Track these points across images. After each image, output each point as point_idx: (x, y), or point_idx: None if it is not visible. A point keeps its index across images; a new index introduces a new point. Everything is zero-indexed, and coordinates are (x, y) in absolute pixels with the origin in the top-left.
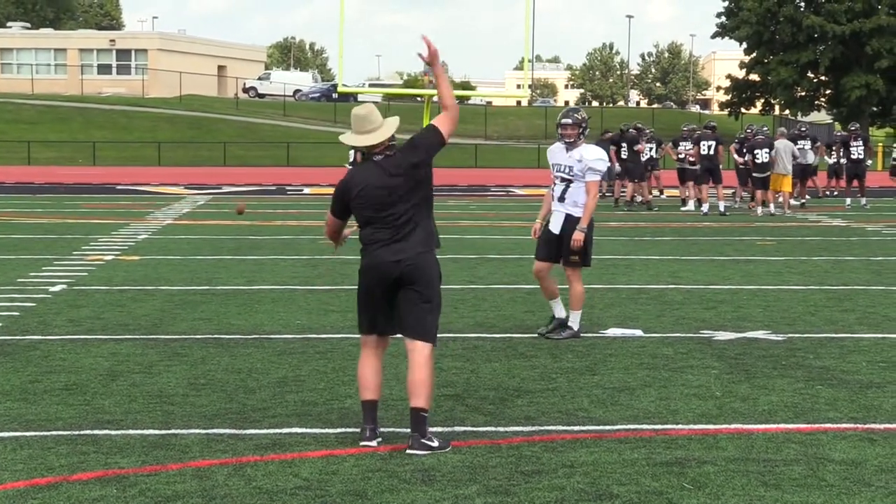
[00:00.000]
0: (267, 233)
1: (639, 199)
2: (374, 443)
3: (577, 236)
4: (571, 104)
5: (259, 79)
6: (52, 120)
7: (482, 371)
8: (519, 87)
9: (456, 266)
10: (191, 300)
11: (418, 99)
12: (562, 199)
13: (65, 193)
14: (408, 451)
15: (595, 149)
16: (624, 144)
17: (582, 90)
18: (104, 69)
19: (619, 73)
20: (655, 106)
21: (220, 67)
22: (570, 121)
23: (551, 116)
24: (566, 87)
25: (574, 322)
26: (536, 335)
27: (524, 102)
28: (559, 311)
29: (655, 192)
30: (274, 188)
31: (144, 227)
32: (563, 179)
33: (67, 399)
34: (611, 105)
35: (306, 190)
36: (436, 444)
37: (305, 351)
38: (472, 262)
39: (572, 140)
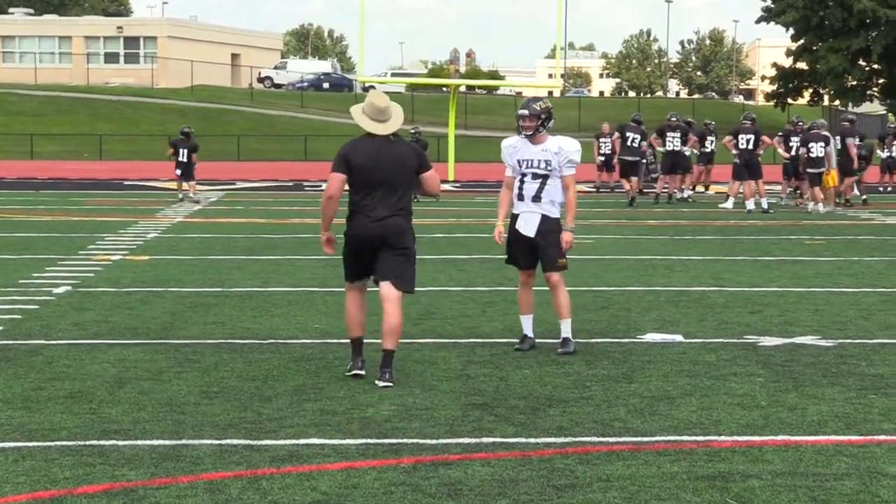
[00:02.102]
0: (283, 231)
1: (681, 194)
2: (363, 372)
3: (568, 237)
4: (606, 94)
5: (275, 68)
6: (56, 112)
7: (512, 378)
8: (551, 76)
9: (484, 267)
10: (203, 303)
11: (444, 89)
12: (537, 198)
13: (69, 189)
14: (380, 384)
15: (571, 140)
16: (675, 135)
17: (617, 79)
18: (111, 58)
19: (657, 61)
20: (696, 96)
21: (234, 56)
22: (526, 112)
23: (585, 108)
24: (601, 76)
25: (567, 330)
26: (518, 350)
27: (556, 93)
28: (530, 329)
29: (700, 188)
30: (291, 184)
31: (153, 226)
32: (536, 176)
33: (72, 407)
34: (648, 95)
35: (325, 185)
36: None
37: (324, 357)
38: (500, 263)
39: (531, 132)
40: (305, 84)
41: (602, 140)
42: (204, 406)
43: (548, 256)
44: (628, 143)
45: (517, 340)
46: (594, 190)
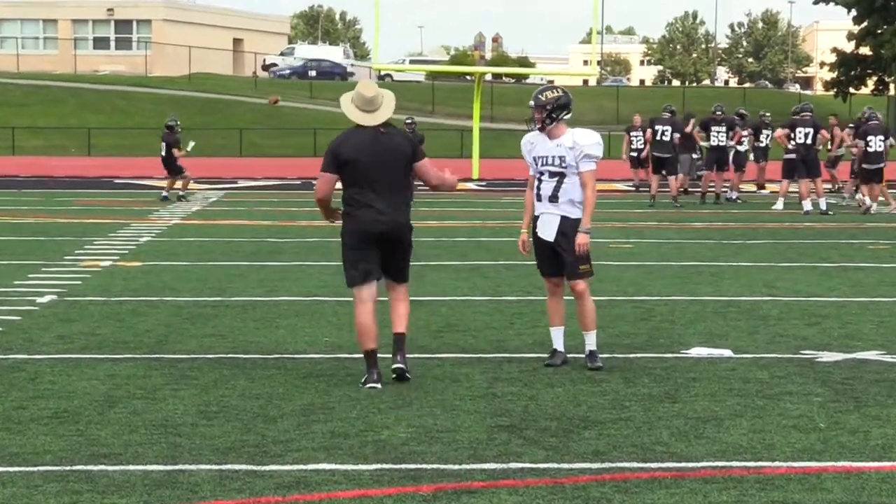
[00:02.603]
0: (290, 235)
1: (732, 194)
2: (379, 385)
3: (582, 239)
4: (647, 83)
5: (281, 54)
6: (41, 102)
7: (543, 398)
8: (586, 63)
9: (511, 274)
10: (201, 313)
11: (468, 78)
12: (554, 198)
13: (54, 188)
14: (394, 366)
15: (589, 132)
16: (720, 129)
17: (660, 67)
18: (101, 43)
19: (703, 46)
20: (747, 85)
21: (237, 41)
22: (532, 103)
23: (624, 98)
24: (641, 63)
25: (593, 343)
26: (548, 366)
27: (592, 82)
28: (561, 342)
29: (748, 188)
30: (299, 182)
31: (147, 228)
32: (552, 174)
33: (58, 429)
34: (694, 84)
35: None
36: None
37: (335, 374)
38: (529, 269)
39: (539, 126)
40: (287, 72)
41: (633, 134)
42: (202, 427)
43: (570, 263)
44: (658, 137)
45: (547, 355)
46: (633, 189)
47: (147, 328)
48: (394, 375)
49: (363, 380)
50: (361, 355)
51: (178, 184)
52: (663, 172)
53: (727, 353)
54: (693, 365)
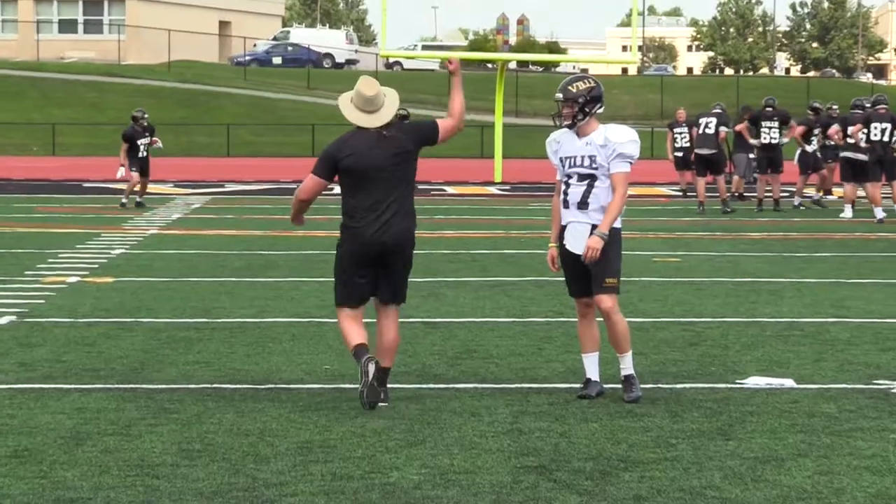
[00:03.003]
0: (285, 246)
1: (797, 200)
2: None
3: (594, 242)
4: (696, 72)
5: (275, 39)
6: None
7: (576, 434)
8: (625, 49)
9: (540, 293)
10: (183, 337)
11: (489, 66)
12: (583, 204)
13: (13, 193)
14: (381, 404)
15: (623, 128)
16: (771, 125)
17: (710, 53)
18: (67, 26)
19: (761, 29)
20: (812, 74)
21: (223, 24)
22: (561, 95)
23: (669, 89)
24: (689, 48)
25: (629, 366)
26: (582, 397)
27: (632, 70)
28: (596, 371)
29: (810, 193)
30: (295, 186)
31: (121, 239)
32: (581, 177)
33: (17, 469)
34: (750, 73)
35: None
36: None
37: (337, 406)
38: (561, 287)
39: (569, 122)
40: (247, 59)
41: (677, 131)
42: (184, 468)
43: (595, 274)
44: (701, 130)
45: (581, 386)
46: (680, 194)
47: (120, 354)
48: (369, 407)
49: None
50: (359, 385)
51: (137, 186)
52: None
53: (789, 382)
54: (749, 397)
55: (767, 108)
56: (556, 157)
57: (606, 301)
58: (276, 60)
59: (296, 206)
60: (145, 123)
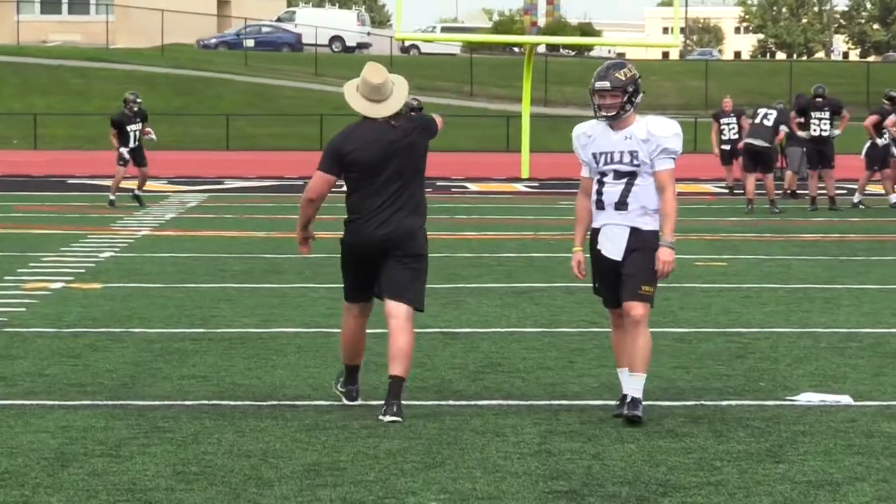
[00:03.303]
0: (291, 249)
1: (856, 198)
2: (358, 399)
3: (667, 255)
4: (745, 56)
5: (279, 20)
6: None
7: (611, 456)
8: (667, 31)
9: (571, 300)
10: (178, 349)
11: (516, 49)
12: (622, 204)
13: None
14: (386, 419)
15: (665, 121)
16: (821, 116)
17: (760, 36)
18: (50, 7)
19: (816, 10)
20: (872, 59)
21: (222, 4)
22: (606, 84)
23: (715, 75)
24: (737, 31)
25: (640, 389)
26: (618, 416)
27: (674, 54)
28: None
29: (878, 190)
30: (301, 183)
31: (109, 241)
32: (620, 174)
33: None
34: (804, 57)
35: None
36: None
37: (346, 425)
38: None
39: (613, 113)
40: (214, 42)
41: (724, 121)
42: (180, 493)
43: (630, 279)
44: (759, 120)
45: (616, 403)
46: (726, 192)
47: (109, 368)
48: (386, 419)
49: (340, 386)
50: (382, 404)
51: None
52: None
53: (845, 399)
54: (802, 415)
55: (817, 98)
56: (585, 152)
57: (639, 309)
58: (248, 43)
59: (304, 210)
60: (135, 108)
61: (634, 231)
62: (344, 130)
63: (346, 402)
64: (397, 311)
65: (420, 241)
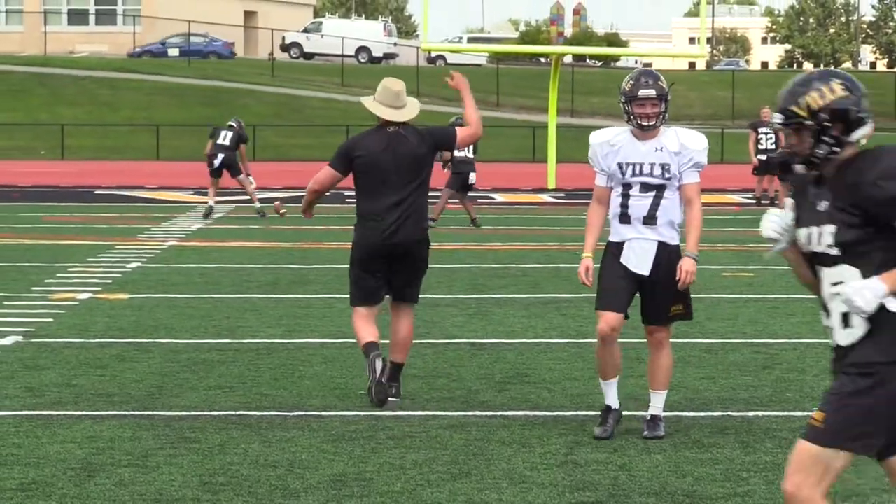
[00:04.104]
0: (316, 260)
1: None
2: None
3: (690, 265)
4: (772, 66)
5: (305, 31)
6: (2, 93)
7: (637, 467)
8: (693, 41)
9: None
10: (204, 360)
11: (542, 60)
12: (651, 219)
13: (19, 201)
14: (392, 400)
15: (695, 133)
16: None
17: (787, 46)
18: (77, 18)
19: (844, 20)
20: None
21: (248, 15)
22: (653, 92)
23: (742, 85)
24: (764, 41)
25: (661, 406)
26: (600, 436)
27: (701, 64)
28: (616, 399)
29: None
30: (327, 193)
31: (136, 251)
32: (648, 187)
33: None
34: (831, 67)
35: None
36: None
37: (374, 436)
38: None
39: (653, 122)
40: (138, 52)
41: (762, 131)
42: (206, 503)
43: (657, 301)
44: None
45: (647, 413)
46: (753, 202)
47: (136, 378)
48: (378, 404)
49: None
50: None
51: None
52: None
53: None
54: None
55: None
56: (607, 162)
57: (665, 333)
58: (172, 52)
59: (308, 197)
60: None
61: (662, 246)
62: (355, 136)
63: (377, 374)
64: (402, 307)
65: (424, 248)
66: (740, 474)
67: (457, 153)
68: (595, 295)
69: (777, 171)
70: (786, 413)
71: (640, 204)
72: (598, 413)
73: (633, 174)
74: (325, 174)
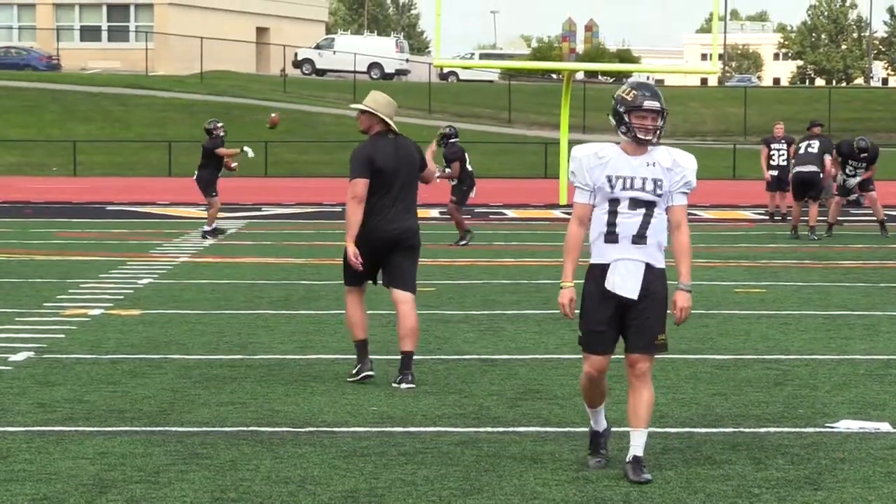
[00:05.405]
0: (329, 275)
1: None
2: (373, 372)
3: (686, 301)
4: (784, 82)
5: (317, 47)
6: (15, 109)
7: (648, 483)
8: (705, 58)
9: None
10: (216, 375)
11: (554, 76)
12: (640, 238)
13: (31, 217)
14: (403, 386)
15: (687, 153)
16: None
17: (800, 62)
18: (90, 34)
19: (856, 36)
20: None
21: (261, 31)
22: (657, 105)
23: (754, 101)
24: (776, 57)
25: (642, 446)
26: (596, 467)
27: (713, 81)
28: (603, 421)
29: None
30: (339, 209)
31: (148, 267)
32: (638, 203)
33: None
34: (843, 84)
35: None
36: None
37: (385, 452)
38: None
39: (650, 138)
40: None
41: (774, 147)
42: None
43: (644, 329)
44: (804, 150)
45: (659, 430)
46: (766, 218)
47: (148, 394)
48: (403, 387)
49: (355, 371)
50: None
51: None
52: (807, 199)
53: (885, 426)
54: (841, 442)
55: (861, 153)
56: (594, 176)
57: (648, 362)
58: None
59: (353, 211)
60: (222, 133)
61: (649, 268)
62: (366, 143)
63: (365, 374)
64: (405, 297)
65: (418, 237)
66: (752, 490)
67: (468, 167)
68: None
69: (788, 187)
70: (798, 429)
71: (629, 222)
72: (612, 429)
73: (623, 188)
74: (359, 186)
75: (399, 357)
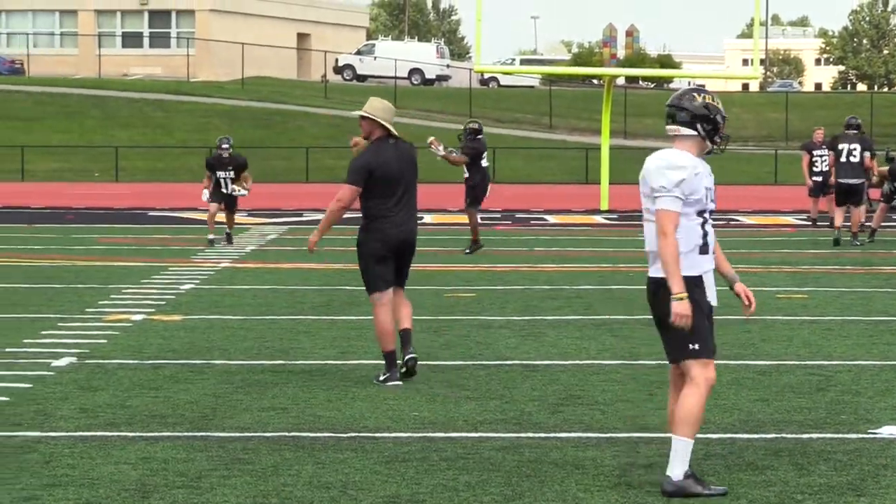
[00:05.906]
0: None
1: None
2: (401, 382)
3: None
4: (825, 88)
5: (358, 53)
6: (57, 115)
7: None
8: (746, 63)
9: (650, 332)
10: (258, 381)
11: (595, 81)
12: (707, 246)
13: (74, 223)
14: (409, 357)
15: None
16: None
17: (841, 67)
18: (132, 40)
19: None
20: None
21: (302, 37)
22: (724, 116)
23: (796, 107)
24: (818, 62)
25: (685, 461)
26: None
27: (754, 86)
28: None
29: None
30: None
31: (189, 273)
32: (710, 213)
33: None
34: (885, 89)
35: (427, 217)
36: None
37: (427, 457)
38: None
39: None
40: None
41: (816, 153)
42: None
43: (673, 337)
44: (844, 158)
45: (699, 436)
46: (809, 224)
47: (189, 399)
48: (404, 370)
49: (383, 378)
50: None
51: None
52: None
53: None
54: (884, 448)
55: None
56: (695, 185)
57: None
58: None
59: (335, 213)
60: (226, 155)
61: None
62: (367, 152)
63: (394, 383)
64: (400, 292)
65: (415, 240)
66: (794, 497)
67: (483, 163)
68: (692, 337)
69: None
70: (840, 435)
71: (712, 232)
72: (652, 435)
73: (711, 199)
74: (348, 193)
75: (402, 359)
